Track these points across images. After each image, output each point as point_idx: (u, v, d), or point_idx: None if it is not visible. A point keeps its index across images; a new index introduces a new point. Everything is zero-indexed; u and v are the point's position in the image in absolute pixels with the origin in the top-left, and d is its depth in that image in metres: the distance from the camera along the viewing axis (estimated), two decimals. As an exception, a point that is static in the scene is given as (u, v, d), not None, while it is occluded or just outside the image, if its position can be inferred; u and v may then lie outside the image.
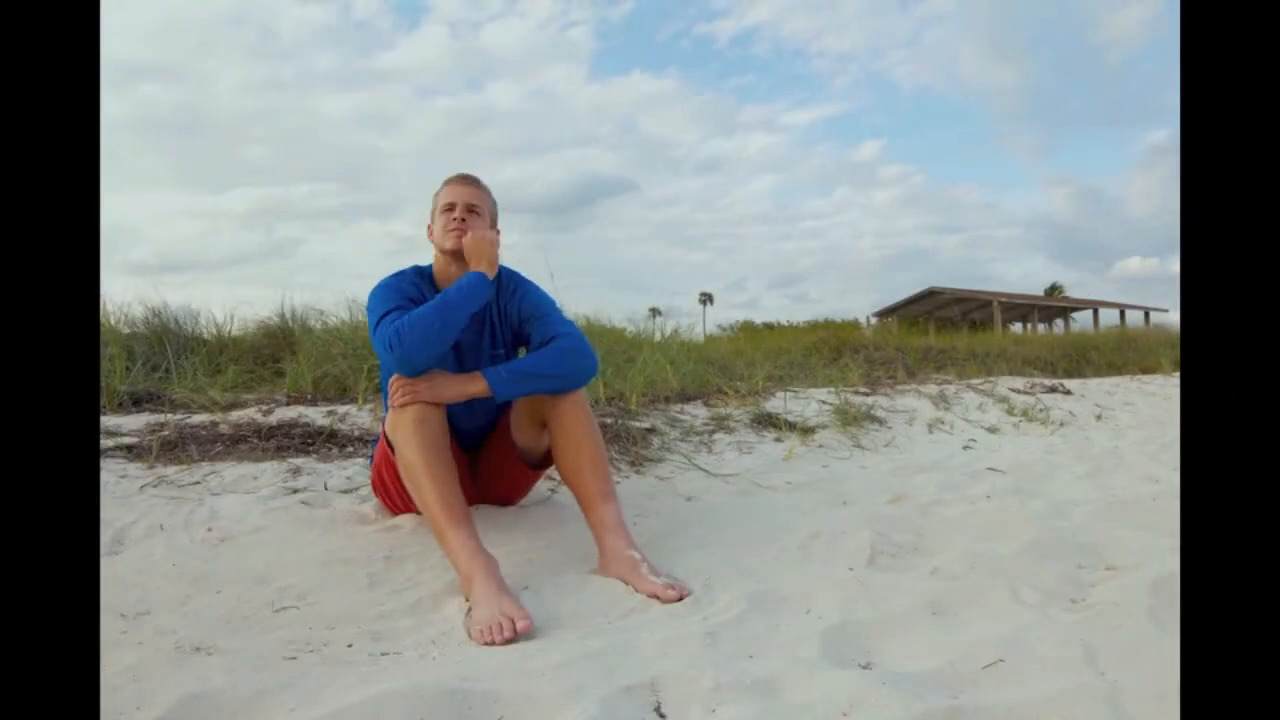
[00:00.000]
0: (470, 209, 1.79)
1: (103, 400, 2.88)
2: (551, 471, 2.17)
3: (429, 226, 1.85)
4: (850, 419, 3.86)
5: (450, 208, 1.79)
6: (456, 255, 1.79)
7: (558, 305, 1.88)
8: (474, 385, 1.63)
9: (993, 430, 4.18)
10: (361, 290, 4.62)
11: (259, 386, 3.50)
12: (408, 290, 1.75)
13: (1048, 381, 6.21)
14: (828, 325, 11.97)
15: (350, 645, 1.25)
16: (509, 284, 1.88)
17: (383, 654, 1.22)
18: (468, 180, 1.83)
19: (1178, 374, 7.54)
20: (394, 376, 1.64)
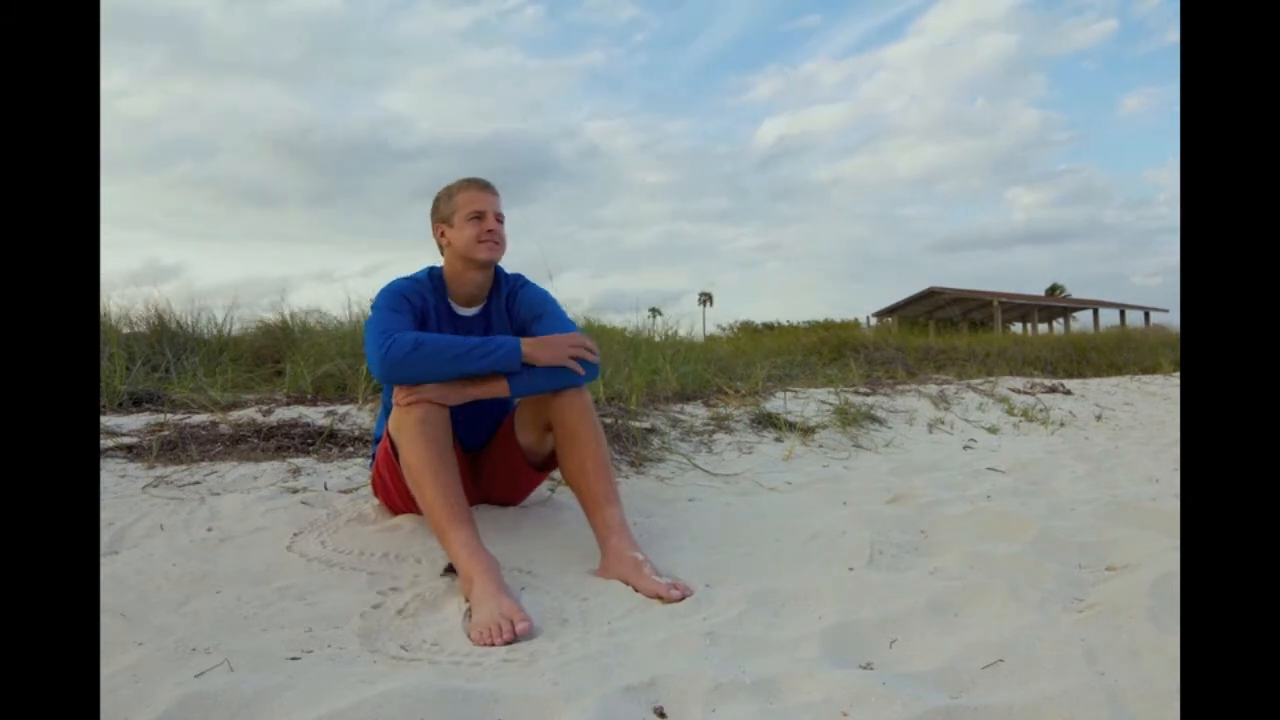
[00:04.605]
0: (499, 218, 1.78)
1: (103, 400, 2.88)
2: (552, 471, 2.17)
3: (439, 229, 1.82)
4: (850, 419, 3.86)
5: (480, 216, 1.76)
6: (485, 265, 1.78)
7: (559, 304, 1.87)
8: (481, 388, 1.64)
9: (993, 430, 4.18)
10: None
11: (259, 386, 3.50)
12: (415, 301, 1.74)
13: (1048, 381, 6.21)
14: (828, 325, 11.99)
15: (350, 645, 1.25)
16: (511, 285, 1.88)
17: (383, 654, 1.22)
18: (489, 186, 1.81)
19: (1178, 374, 7.54)
20: None
